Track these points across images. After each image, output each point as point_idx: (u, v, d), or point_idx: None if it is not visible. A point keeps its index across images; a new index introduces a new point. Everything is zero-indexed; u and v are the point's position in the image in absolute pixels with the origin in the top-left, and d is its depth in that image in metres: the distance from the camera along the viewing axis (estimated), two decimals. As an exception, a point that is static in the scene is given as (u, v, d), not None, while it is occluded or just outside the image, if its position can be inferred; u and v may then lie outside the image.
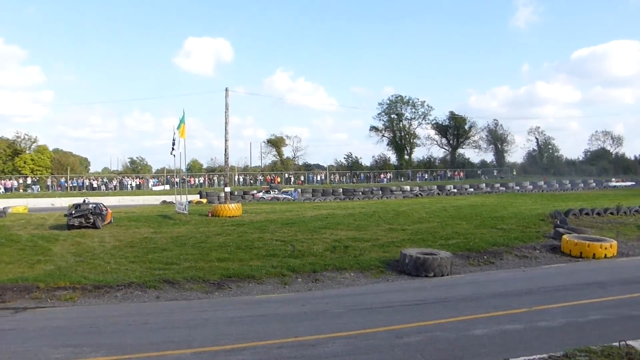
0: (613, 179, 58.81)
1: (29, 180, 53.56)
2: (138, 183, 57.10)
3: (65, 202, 36.40)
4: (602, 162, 73.15)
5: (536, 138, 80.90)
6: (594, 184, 56.75)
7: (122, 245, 16.30)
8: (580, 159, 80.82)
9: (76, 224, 19.44)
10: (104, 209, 21.33)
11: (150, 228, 20.12)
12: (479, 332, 7.79)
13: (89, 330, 8.56)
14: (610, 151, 79.52)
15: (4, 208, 28.59)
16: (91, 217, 19.71)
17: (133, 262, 13.92)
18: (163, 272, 12.65)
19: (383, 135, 77.43)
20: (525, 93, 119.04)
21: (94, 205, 21.07)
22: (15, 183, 51.84)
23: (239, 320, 9.15)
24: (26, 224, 21.45)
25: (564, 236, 15.90)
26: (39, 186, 53.08)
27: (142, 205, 36.84)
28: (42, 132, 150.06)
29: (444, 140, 79.36)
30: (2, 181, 51.40)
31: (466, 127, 77.26)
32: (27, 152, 60.32)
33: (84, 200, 22.49)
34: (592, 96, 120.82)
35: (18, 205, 33.42)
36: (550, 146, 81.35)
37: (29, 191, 50.95)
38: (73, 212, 20.17)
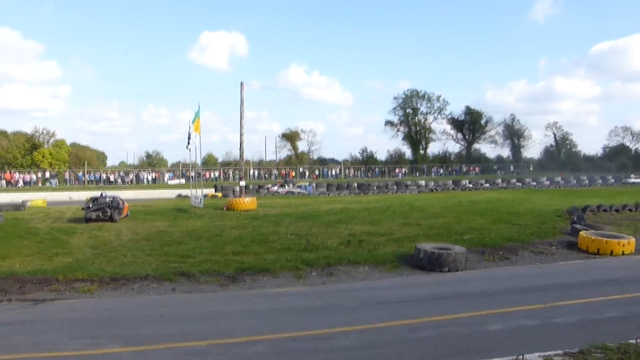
0: (632, 176, 57.81)
1: (47, 174, 54.28)
2: (154, 177, 57.61)
3: (83, 195, 36.84)
4: (621, 158, 72.10)
5: (554, 133, 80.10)
6: (613, 180, 55.94)
7: (139, 239, 16.48)
8: (599, 154, 79.84)
9: (93, 217, 19.70)
10: (120, 202, 21.57)
11: (166, 221, 20.31)
12: (493, 327, 7.76)
13: (106, 322, 8.68)
14: (630, 147, 78.30)
15: (22, 201, 29.05)
16: (108, 211, 19.96)
17: (149, 255, 14.07)
18: (179, 265, 12.76)
19: (398, 130, 77.34)
20: (543, 88, 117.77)
21: (111, 198, 21.32)
22: (34, 177, 52.58)
23: (253, 313, 9.20)
24: (45, 217, 21.79)
25: (581, 232, 15.71)
26: (57, 180, 53.79)
27: (158, 198, 37.15)
28: (60, 127, 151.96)
29: (459, 135, 79.05)
30: (21, 175, 52.17)
31: (482, 122, 76.88)
32: (45, 146, 61.09)
33: (101, 194, 22.77)
34: (611, 91, 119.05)
35: (37, 198, 33.87)
36: (568, 142, 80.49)
37: (47, 185, 51.64)
38: (90, 205, 20.45)
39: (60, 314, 9.47)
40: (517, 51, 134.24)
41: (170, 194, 42.29)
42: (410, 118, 76.00)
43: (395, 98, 78.40)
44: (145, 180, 55.83)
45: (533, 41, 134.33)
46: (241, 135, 31.30)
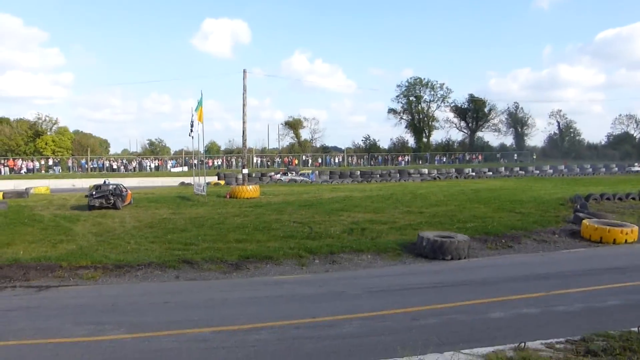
0: (636, 164, 57.47)
1: (50, 162, 54.42)
2: (157, 164, 57.68)
3: (86, 183, 36.91)
4: (625, 146, 71.84)
5: (557, 121, 79.78)
6: (616, 169, 55.72)
7: (142, 226, 16.52)
8: (603, 143, 79.57)
9: (97, 205, 19.74)
10: (123, 190, 21.58)
11: (169, 209, 20.34)
12: (495, 315, 7.79)
13: (110, 309, 8.74)
14: (634, 135, 77.95)
15: (26, 188, 29.12)
16: (111, 198, 19.99)
17: (153, 242, 14.10)
18: (182, 253, 12.79)
19: (401, 118, 77.08)
20: (547, 76, 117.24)
21: (114, 186, 21.35)
22: (37, 164, 52.70)
23: (257, 301, 9.25)
24: (48, 205, 21.83)
25: (584, 221, 15.69)
26: (60, 167, 53.91)
27: (161, 186, 37.22)
28: (63, 114, 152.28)
29: (462, 123, 78.70)
30: (24, 162, 52.28)
31: (486, 110, 76.50)
32: (48, 133, 61.18)
33: (104, 181, 22.81)
34: (616, 79, 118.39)
35: (40, 185, 33.95)
36: (571, 130, 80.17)
37: (51, 172, 51.77)
38: (94, 192, 20.46)
39: (64, 300, 9.53)
40: (522, 39, 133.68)
41: (173, 181, 42.36)
42: (414, 106, 75.71)
43: (398, 86, 78.15)
44: (148, 167, 55.92)
45: (537, 29, 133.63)
46: (244, 123, 31.27)
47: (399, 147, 73.81)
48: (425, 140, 75.23)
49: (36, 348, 6.66)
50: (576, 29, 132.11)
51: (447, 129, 78.83)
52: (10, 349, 6.62)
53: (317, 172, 48.11)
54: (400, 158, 66.62)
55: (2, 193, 26.07)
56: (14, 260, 11.86)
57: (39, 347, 6.69)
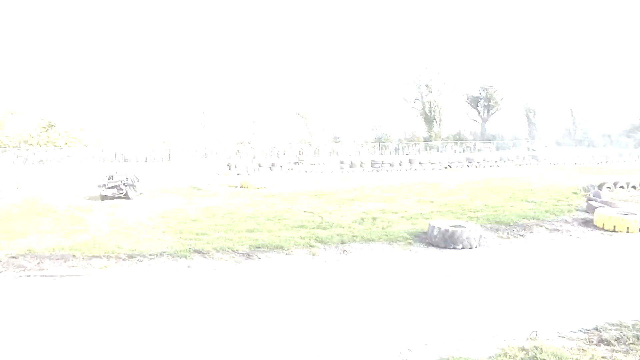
0: (651, 152, 56.90)
1: (63, 152, 54.79)
2: (169, 154, 57.87)
3: (99, 173, 37.12)
4: (640, 134, 70.91)
5: (570, 109, 78.82)
6: (631, 157, 55.09)
7: (154, 216, 16.63)
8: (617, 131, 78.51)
9: (109, 195, 19.92)
10: (136, 180, 21.74)
11: (181, 199, 20.46)
12: (507, 304, 7.76)
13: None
14: (649, 122, 76.85)
15: (39, 179, 29.41)
16: (123, 188, 20.15)
17: (164, 232, 14.20)
18: (193, 243, 12.86)
19: (412, 107, 76.64)
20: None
21: (127, 176, 21.51)
22: (50, 154, 53.07)
23: (267, 290, 9.29)
24: (61, 195, 22.04)
25: (597, 209, 15.53)
26: (72, 157, 54.28)
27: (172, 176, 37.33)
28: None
29: (474, 112, 78.12)
30: (38, 152, 52.69)
31: (498, 98, 75.81)
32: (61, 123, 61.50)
33: (117, 172, 22.97)
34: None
35: (53, 175, 34.15)
36: (585, 118, 79.23)
37: (63, 162, 52.16)
38: (106, 183, 20.64)
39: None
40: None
41: (185, 171, 42.46)
42: (425, 95, 75.30)
43: (409, 74, 77.74)
44: (160, 157, 56.13)
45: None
46: (254, 112, 31.33)
47: (409, 137, 73.49)
48: (436, 129, 74.85)
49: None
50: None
51: (458, 118, 78.48)
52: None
53: (327, 161, 48.06)
54: (411, 147, 66.33)
55: (17, 183, 26.34)
56: (28, 250, 11.99)
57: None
